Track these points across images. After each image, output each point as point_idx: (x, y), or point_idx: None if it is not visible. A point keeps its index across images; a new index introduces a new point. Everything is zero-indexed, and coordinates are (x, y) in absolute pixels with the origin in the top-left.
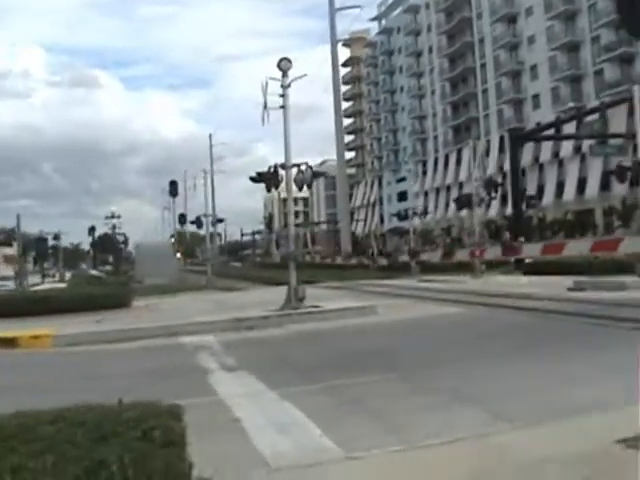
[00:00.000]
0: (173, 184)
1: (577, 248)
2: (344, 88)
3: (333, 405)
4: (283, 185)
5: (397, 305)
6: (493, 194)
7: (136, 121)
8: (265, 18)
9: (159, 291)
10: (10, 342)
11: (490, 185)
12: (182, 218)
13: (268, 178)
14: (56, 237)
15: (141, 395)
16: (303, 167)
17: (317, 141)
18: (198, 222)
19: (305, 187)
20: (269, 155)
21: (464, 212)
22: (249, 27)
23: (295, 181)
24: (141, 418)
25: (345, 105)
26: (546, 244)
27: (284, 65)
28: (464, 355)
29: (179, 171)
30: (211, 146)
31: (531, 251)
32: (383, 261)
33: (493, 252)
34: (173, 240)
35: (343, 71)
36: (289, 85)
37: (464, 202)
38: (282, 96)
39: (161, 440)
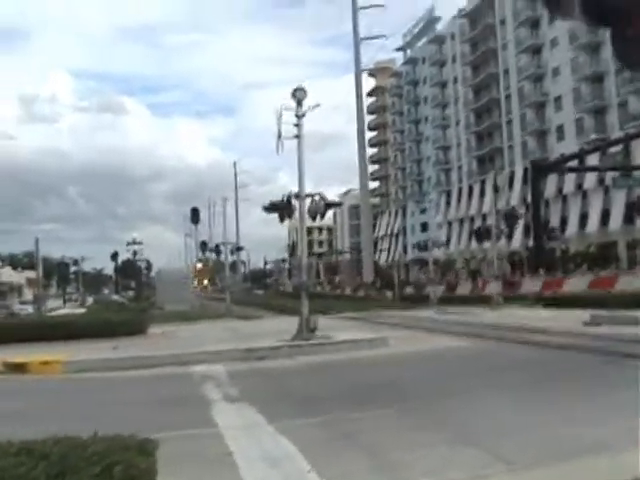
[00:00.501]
0: (195, 211)
1: (576, 285)
2: (369, 118)
3: (329, 439)
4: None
5: (409, 337)
6: (508, 226)
7: (162, 147)
8: (291, 46)
9: (178, 318)
10: (20, 367)
11: (509, 217)
12: (203, 245)
13: (281, 208)
14: (76, 262)
15: (138, 425)
16: (317, 197)
17: (343, 170)
18: (217, 250)
19: (319, 217)
20: (290, 184)
21: (484, 244)
22: (275, 55)
23: (309, 211)
24: (106, 453)
25: (370, 135)
26: (546, 280)
27: (299, 95)
28: (469, 390)
29: (204, 198)
30: (236, 174)
31: (531, 287)
32: (405, 291)
33: (494, 287)
34: (200, 266)
35: (368, 100)
36: (304, 115)
37: (483, 234)
38: (297, 125)
39: (121, 476)
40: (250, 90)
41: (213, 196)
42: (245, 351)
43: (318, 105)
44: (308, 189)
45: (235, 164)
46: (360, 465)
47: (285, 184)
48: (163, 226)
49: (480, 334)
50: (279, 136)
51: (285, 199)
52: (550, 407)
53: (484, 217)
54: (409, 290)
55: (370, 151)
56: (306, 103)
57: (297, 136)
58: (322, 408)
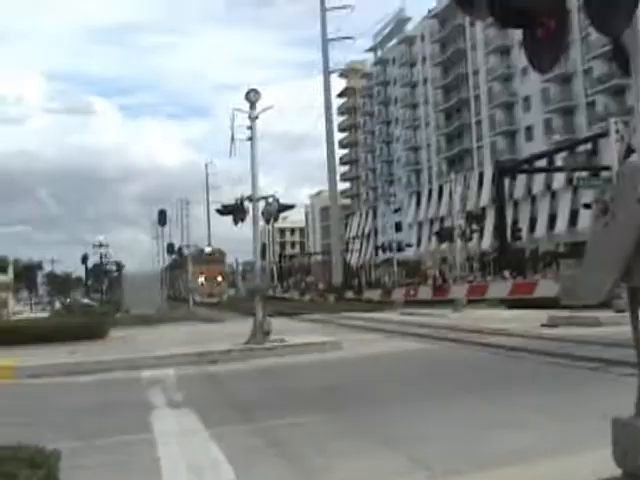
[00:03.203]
0: (162, 213)
1: (497, 291)
2: (340, 119)
3: (260, 446)
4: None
5: (365, 340)
6: (475, 227)
7: (134, 149)
8: (264, 47)
9: (141, 321)
10: None
11: (474, 218)
12: (170, 247)
13: (234, 211)
14: (39, 266)
15: (73, 431)
16: (270, 200)
17: (315, 170)
18: (180, 253)
19: (272, 220)
20: (264, 185)
21: (453, 244)
22: (248, 56)
23: (262, 214)
24: None
25: (341, 136)
26: (471, 286)
27: (252, 96)
28: (411, 395)
29: (176, 200)
30: (207, 175)
31: (457, 292)
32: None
33: (425, 292)
34: (208, 250)
35: (339, 102)
36: (257, 117)
37: (445, 235)
38: (250, 128)
39: None
40: (223, 91)
41: (185, 198)
42: (197, 355)
43: (270, 107)
44: (279, 190)
45: (207, 166)
46: (282, 473)
47: (259, 185)
48: (135, 228)
49: (438, 336)
50: (232, 139)
51: (238, 202)
52: (483, 412)
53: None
54: (371, 294)
55: (341, 152)
56: (262, 104)
57: (250, 138)
58: (261, 414)
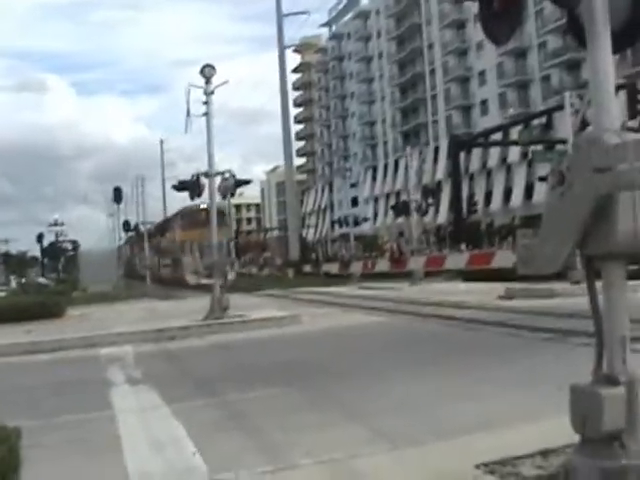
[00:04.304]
0: (117, 190)
1: (455, 262)
2: (295, 94)
3: (221, 421)
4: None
5: (324, 314)
6: (431, 201)
7: (88, 126)
8: (219, 22)
9: (99, 299)
10: None
11: (429, 192)
12: (126, 225)
13: (190, 186)
14: None
15: (32, 410)
16: (226, 175)
17: (271, 146)
18: (136, 230)
19: (229, 195)
20: (219, 161)
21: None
22: (203, 32)
23: (219, 189)
24: None
25: (296, 111)
26: (428, 258)
27: (207, 72)
28: (368, 368)
29: (132, 176)
30: (162, 152)
31: (416, 264)
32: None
33: (383, 264)
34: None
35: (294, 77)
36: (212, 92)
37: (401, 209)
38: (205, 103)
39: None
40: (178, 68)
41: (141, 174)
42: (156, 332)
43: (226, 82)
44: (235, 166)
45: (162, 142)
46: (245, 446)
47: (215, 161)
48: (90, 206)
49: (396, 309)
50: (187, 115)
51: (194, 177)
52: (444, 383)
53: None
54: (329, 268)
55: (296, 127)
56: (217, 80)
57: (206, 114)
58: (220, 389)
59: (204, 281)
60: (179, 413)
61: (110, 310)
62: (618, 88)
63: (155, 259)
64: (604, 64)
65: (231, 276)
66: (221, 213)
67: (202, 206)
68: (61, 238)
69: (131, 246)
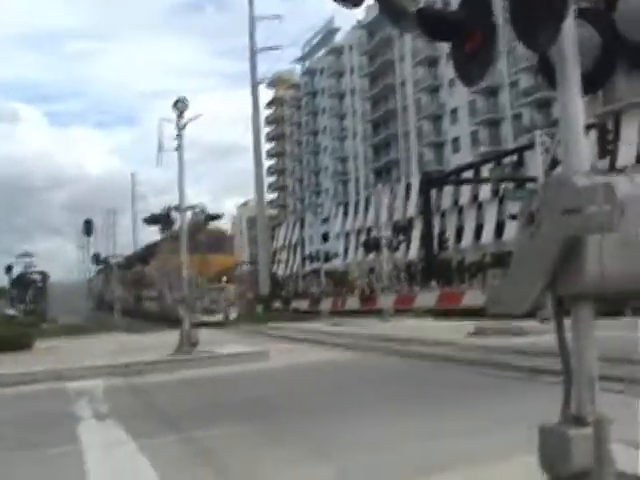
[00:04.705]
0: (87, 223)
1: (425, 301)
2: (268, 129)
3: (188, 457)
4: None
5: (291, 350)
6: (401, 237)
7: (60, 157)
8: (193, 56)
9: (68, 332)
10: None
11: (400, 229)
12: (96, 257)
13: (161, 220)
14: None
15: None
16: (197, 210)
17: (243, 180)
18: (106, 263)
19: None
20: (191, 195)
21: (380, 255)
22: (177, 65)
23: (190, 224)
24: None
25: (268, 146)
26: (398, 296)
27: (180, 106)
28: (338, 405)
29: (103, 208)
30: (133, 185)
31: (385, 302)
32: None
33: (353, 302)
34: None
35: (267, 112)
36: (184, 126)
37: (372, 245)
38: (178, 137)
39: None
40: (152, 100)
41: (112, 207)
42: (124, 366)
43: (199, 116)
44: (206, 200)
45: (132, 175)
46: None
47: (186, 195)
48: (61, 237)
49: (365, 346)
50: (159, 148)
51: (165, 211)
52: (412, 421)
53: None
54: (299, 304)
55: (269, 162)
56: (189, 114)
57: (177, 148)
58: (188, 425)
59: (206, 318)
60: (146, 449)
61: (79, 343)
62: (589, 127)
63: (131, 291)
64: (574, 106)
65: (234, 314)
66: (222, 237)
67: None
68: (30, 269)
69: (105, 278)
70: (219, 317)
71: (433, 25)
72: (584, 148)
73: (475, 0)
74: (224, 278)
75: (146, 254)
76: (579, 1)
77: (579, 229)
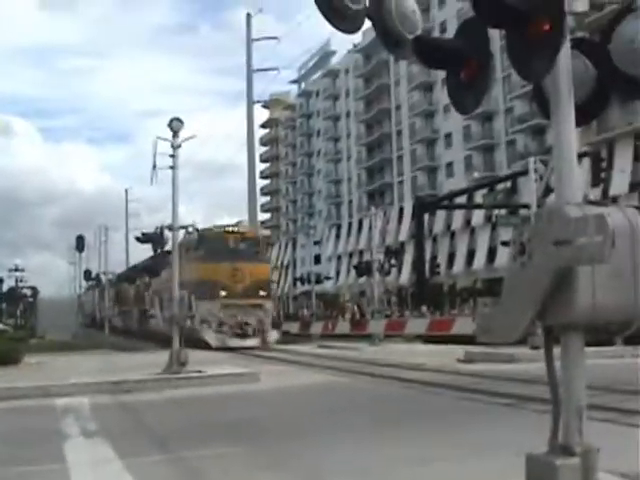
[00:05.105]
0: (80, 239)
1: (415, 327)
2: (262, 149)
3: (175, 478)
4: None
5: (282, 372)
6: (393, 261)
7: (54, 172)
8: (188, 76)
9: (56, 348)
10: None
11: (392, 252)
12: (87, 274)
13: (154, 239)
14: None
15: None
16: (190, 229)
17: (236, 200)
18: (97, 280)
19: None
20: (184, 213)
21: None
22: (171, 83)
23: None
24: None
25: (263, 166)
26: (389, 321)
27: (175, 125)
28: (326, 429)
29: (96, 225)
30: (127, 202)
31: (375, 327)
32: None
33: (343, 326)
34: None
35: (262, 132)
36: (179, 146)
37: (364, 269)
38: (172, 156)
39: None
40: (145, 118)
41: (105, 224)
42: (112, 384)
43: (194, 136)
44: (199, 219)
45: (126, 191)
46: None
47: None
48: (53, 252)
49: (355, 370)
50: (154, 167)
51: (158, 230)
52: (400, 447)
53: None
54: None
55: (262, 182)
56: (184, 133)
57: (172, 167)
58: (176, 445)
59: (236, 342)
60: (133, 468)
61: (67, 359)
62: (582, 155)
63: (134, 308)
64: (567, 136)
65: (274, 337)
66: (254, 242)
67: (230, 228)
68: (21, 284)
69: (98, 294)
70: (254, 341)
71: (429, 53)
72: (577, 178)
73: (471, 29)
74: (261, 292)
75: (155, 264)
76: (575, 32)
77: (570, 260)
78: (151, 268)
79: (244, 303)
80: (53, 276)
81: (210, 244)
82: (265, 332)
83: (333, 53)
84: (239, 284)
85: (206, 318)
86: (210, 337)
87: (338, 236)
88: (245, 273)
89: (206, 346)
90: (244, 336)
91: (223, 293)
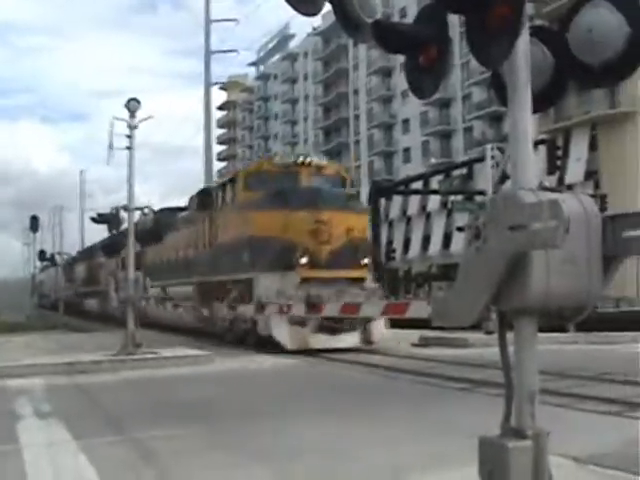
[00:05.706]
0: (34, 219)
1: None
2: (219, 131)
3: (128, 458)
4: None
5: (237, 354)
6: None
7: (8, 152)
8: (146, 56)
9: (9, 329)
10: None
11: None
12: (42, 254)
13: (109, 220)
14: None
15: None
16: (146, 210)
17: (194, 181)
18: (52, 260)
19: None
20: (140, 194)
21: None
22: (129, 64)
23: (137, 224)
24: None
25: (220, 148)
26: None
27: (132, 106)
28: (283, 410)
29: (51, 205)
30: (81, 183)
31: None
32: None
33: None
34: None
35: (219, 114)
36: (136, 126)
37: None
38: (129, 137)
39: None
40: (103, 98)
41: (60, 204)
42: (66, 365)
43: (151, 117)
44: (154, 200)
45: (81, 172)
46: None
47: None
48: (8, 233)
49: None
50: (110, 147)
51: (114, 211)
52: (354, 429)
53: None
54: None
55: (219, 165)
56: (141, 114)
57: (129, 147)
58: (130, 426)
59: (319, 342)
60: (88, 449)
61: (20, 340)
62: (539, 143)
63: (90, 288)
64: (523, 123)
65: (379, 329)
66: (342, 181)
67: (301, 158)
68: None
69: (53, 274)
70: (352, 339)
71: (388, 37)
72: (533, 165)
73: (431, 14)
74: (364, 260)
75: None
76: (533, 20)
77: (524, 245)
78: (109, 248)
79: (336, 276)
80: (7, 257)
81: (275, 182)
82: (368, 324)
83: (292, 36)
84: (326, 245)
85: (273, 301)
86: (282, 333)
87: None
88: (335, 228)
89: (274, 347)
90: (333, 331)
91: (303, 260)
